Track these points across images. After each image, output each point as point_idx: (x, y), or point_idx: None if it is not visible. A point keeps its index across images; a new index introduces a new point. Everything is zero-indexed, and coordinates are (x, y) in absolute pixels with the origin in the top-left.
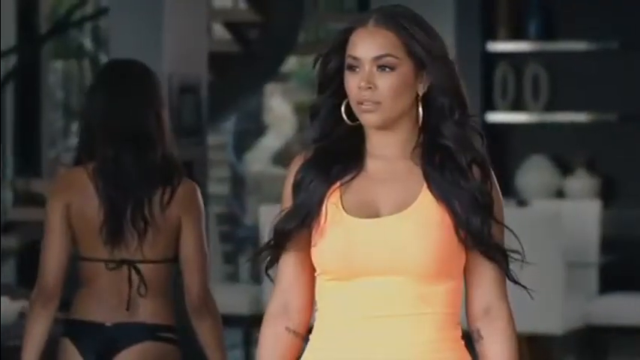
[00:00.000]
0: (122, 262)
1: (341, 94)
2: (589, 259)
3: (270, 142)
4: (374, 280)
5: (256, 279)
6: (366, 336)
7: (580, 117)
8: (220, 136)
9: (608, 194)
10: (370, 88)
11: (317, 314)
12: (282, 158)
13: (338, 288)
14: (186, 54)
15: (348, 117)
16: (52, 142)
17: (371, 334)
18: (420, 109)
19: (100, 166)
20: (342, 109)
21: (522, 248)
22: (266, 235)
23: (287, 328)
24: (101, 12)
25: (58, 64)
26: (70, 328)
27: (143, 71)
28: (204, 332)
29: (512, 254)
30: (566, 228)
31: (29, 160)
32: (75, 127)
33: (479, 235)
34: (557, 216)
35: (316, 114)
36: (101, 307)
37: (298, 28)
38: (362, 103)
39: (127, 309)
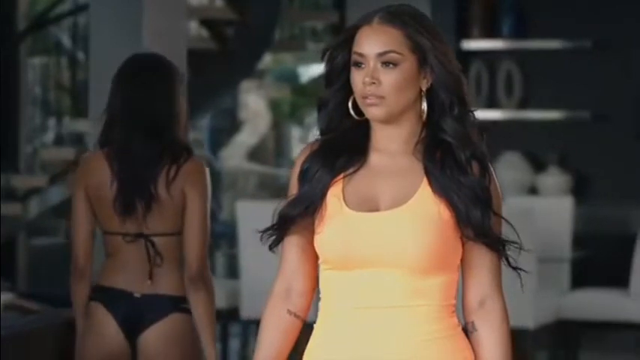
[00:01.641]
0: (137, 235)
1: (348, 89)
2: (561, 255)
3: (245, 139)
4: (370, 272)
5: (233, 274)
6: (365, 330)
7: (553, 115)
8: (196, 133)
9: (580, 191)
10: (374, 83)
11: (320, 304)
12: (257, 154)
13: (337, 277)
14: (165, 51)
15: (354, 112)
16: (30, 138)
17: (368, 327)
18: (424, 104)
19: (113, 150)
20: (350, 104)
21: (519, 237)
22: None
23: (288, 311)
24: (79, 9)
25: (36, 61)
26: (100, 293)
27: (158, 64)
28: (199, 304)
29: (511, 244)
30: (539, 224)
31: (7, 155)
32: (52, 122)
33: (480, 228)
34: (529, 212)
35: (324, 106)
36: (127, 277)
37: (275, 26)
38: (366, 98)
39: (150, 278)
